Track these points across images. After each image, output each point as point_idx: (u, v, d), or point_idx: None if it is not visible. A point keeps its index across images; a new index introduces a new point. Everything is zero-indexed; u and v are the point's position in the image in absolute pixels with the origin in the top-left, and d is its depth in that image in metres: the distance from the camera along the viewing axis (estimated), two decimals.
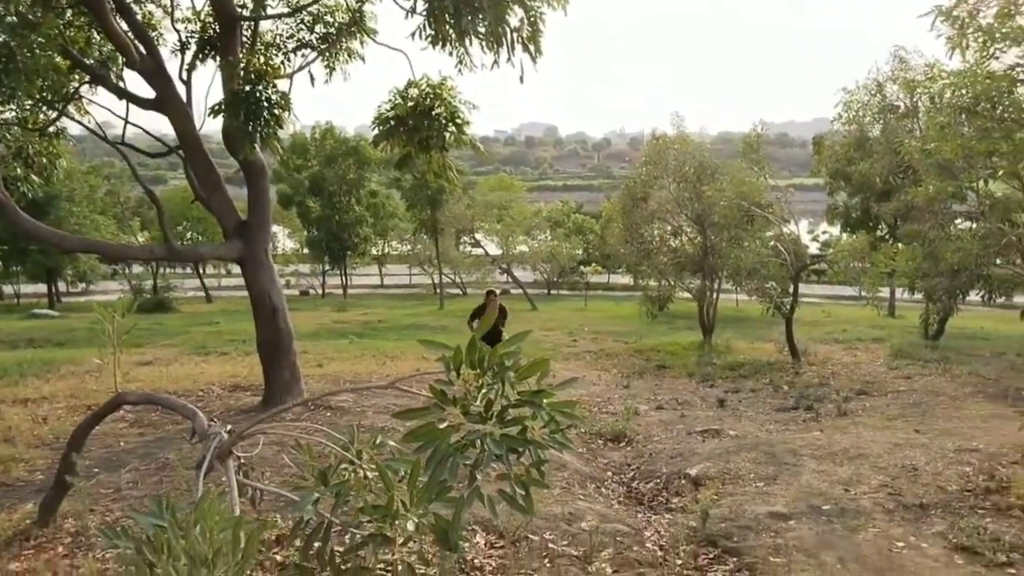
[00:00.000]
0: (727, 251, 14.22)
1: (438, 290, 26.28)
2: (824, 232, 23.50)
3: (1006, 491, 5.05)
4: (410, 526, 2.81)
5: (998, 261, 11.45)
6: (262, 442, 4.96)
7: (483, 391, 3.05)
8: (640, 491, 5.65)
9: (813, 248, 17.93)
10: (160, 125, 7.74)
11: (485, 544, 4.09)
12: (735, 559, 4.15)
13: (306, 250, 28.59)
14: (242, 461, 3.82)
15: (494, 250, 26.10)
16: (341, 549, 3.00)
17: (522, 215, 26.18)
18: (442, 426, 2.96)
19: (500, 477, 3.01)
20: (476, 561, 3.83)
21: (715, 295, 15.42)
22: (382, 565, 3.33)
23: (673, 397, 9.42)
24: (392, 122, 7.18)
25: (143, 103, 7.04)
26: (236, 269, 7.81)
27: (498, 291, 7.19)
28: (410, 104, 7.13)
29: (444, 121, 7.11)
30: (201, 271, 28.26)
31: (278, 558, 3.74)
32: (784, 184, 17.66)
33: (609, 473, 6.04)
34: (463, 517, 4.20)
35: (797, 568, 4.00)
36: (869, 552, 4.25)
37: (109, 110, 7.77)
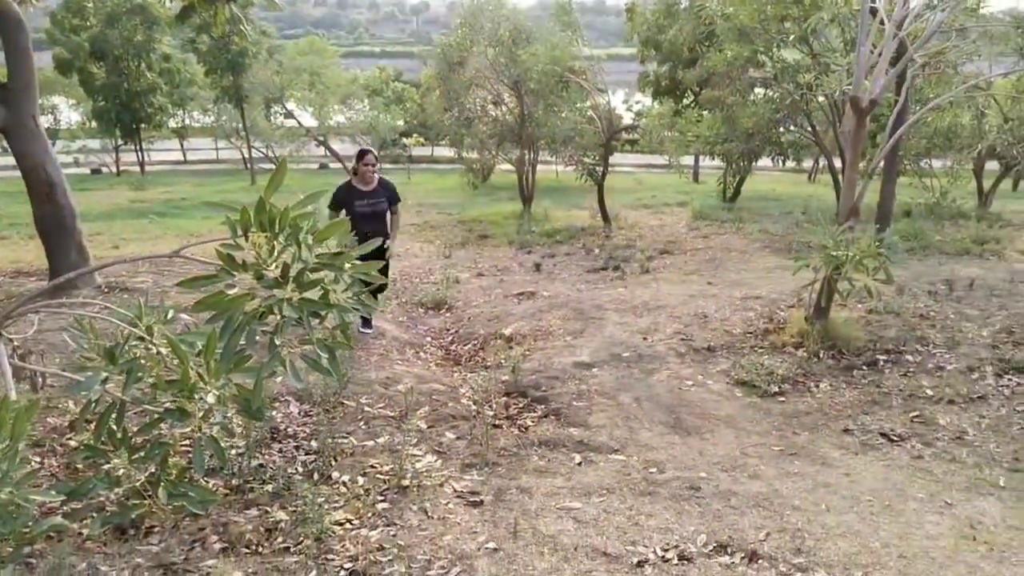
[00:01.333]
0: (543, 119, 14.36)
1: (248, 165, 24.73)
2: (638, 102, 24.18)
3: (781, 331, 5.67)
4: (210, 399, 2.69)
5: (792, 128, 12.40)
6: (47, 326, 4.54)
7: (277, 254, 2.91)
8: (458, 353, 5.80)
9: (628, 118, 18.44)
10: None
11: (299, 413, 4.06)
12: (543, 406, 4.41)
13: (93, 123, 25.59)
14: (16, 344, 3.49)
15: (309, 121, 24.70)
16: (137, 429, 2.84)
17: (337, 82, 24.75)
18: (232, 293, 2.82)
19: (303, 343, 2.94)
20: (289, 429, 3.80)
21: (534, 165, 15.64)
22: (186, 442, 3.22)
23: (493, 264, 9.62)
24: None
25: None
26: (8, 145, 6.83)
27: (375, 157, 5.66)
28: None
29: None
30: None
31: (72, 443, 3.51)
32: (602, 53, 17.89)
33: (428, 339, 6.14)
34: (271, 387, 4.13)
35: (597, 409, 4.32)
36: (661, 391, 4.67)
37: None
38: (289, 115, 24.64)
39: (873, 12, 6.49)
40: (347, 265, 2.90)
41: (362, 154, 5.63)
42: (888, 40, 5.94)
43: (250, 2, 6.77)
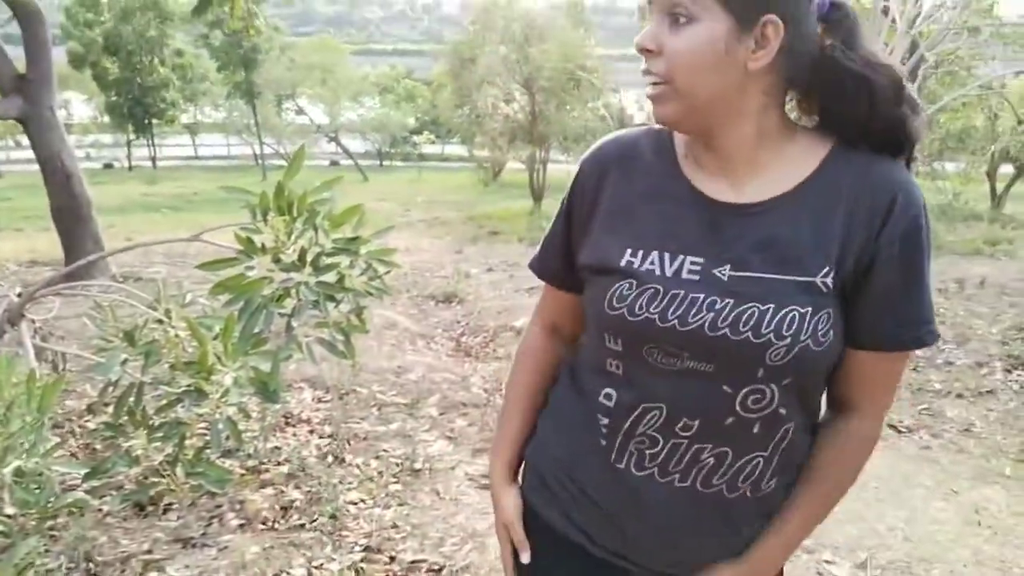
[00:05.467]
0: (555, 117, 14.41)
1: (260, 161, 24.87)
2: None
3: None
4: (227, 380, 2.74)
5: None
6: (64, 313, 4.62)
7: (295, 238, 2.97)
8: (468, 344, 5.85)
9: (640, 117, 18.50)
10: None
11: (312, 399, 4.12)
12: None
13: (106, 118, 25.77)
14: (38, 326, 3.56)
15: (320, 117, 24.81)
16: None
17: (348, 79, 24.87)
18: (251, 275, 2.87)
19: (319, 325, 2.99)
20: (303, 415, 3.86)
21: (545, 163, 15.69)
22: (203, 423, 3.27)
23: (503, 260, 9.66)
24: None
25: None
26: (28, 141, 6.91)
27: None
28: None
29: None
30: None
31: (91, 425, 3.58)
32: (614, 53, 17.92)
33: (439, 330, 6.19)
34: (286, 372, 4.19)
35: None
36: None
37: None
38: (300, 111, 24.75)
39: (885, 11, 6.51)
40: (362, 250, 2.96)
41: None
42: (900, 39, 5.96)
43: None
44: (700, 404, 0.95)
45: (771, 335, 0.89)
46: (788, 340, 0.89)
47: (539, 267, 1.17)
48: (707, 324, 0.90)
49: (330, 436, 3.60)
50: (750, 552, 1.03)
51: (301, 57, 24.85)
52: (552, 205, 14.04)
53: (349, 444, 3.53)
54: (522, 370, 1.21)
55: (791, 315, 0.89)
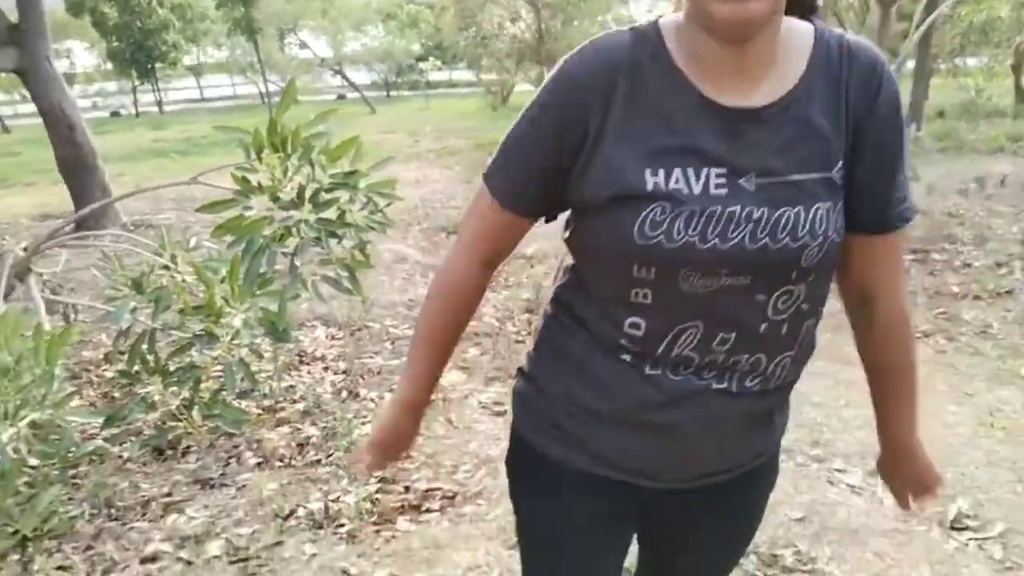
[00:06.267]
0: (562, 33, 14.04)
1: (265, 99, 24.59)
2: (661, 16, 23.45)
3: None
4: (237, 322, 2.75)
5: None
6: (74, 265, 4.65)
7: (292, 176, 2.93)
8: None
9: None
10: None
11: (325, 336, 4.15)
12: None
13: (109, 65, 25.50)
14: (47, 279, 3.59)
15: (323, 50, 24.37)
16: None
17: (350, 8, 24.27)
18: (251, 215, 2.85)
19: (323, 263, 2.99)
20: (316, 352, 3.90)
21: None
22: (217, 366, 3.31)
23: None
24: None
25: None
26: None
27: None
28: None
29: None
30: None
31: (108, 374, 3.64)
32: None
33: None
34: (296, 310, 4.21)
35: None
36: None
37: None
38: (303, 45, 24.31)
39: None
40: (361, 184, 2.92)
41: None
42: None
43: None
44: (736, 317, 0.93)
45: (807, 236, 0.89)
46: (821, 238, 0.90)
47: (505, 192, 1.00)
48: (747, 237, 0.88)
49: (344, 372, 3.64)
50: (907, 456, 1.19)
51: None
52: None
53: (363, 379, 3.57)
54: (449, 308, 1.10)
55: (819, 213, 0.90)
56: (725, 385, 0.97)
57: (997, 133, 9.70)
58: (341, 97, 27.20)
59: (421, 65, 26.10)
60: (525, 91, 18.57)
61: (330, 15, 23.47)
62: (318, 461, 2.83)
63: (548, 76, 0.97)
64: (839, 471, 2.71)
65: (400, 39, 25.65)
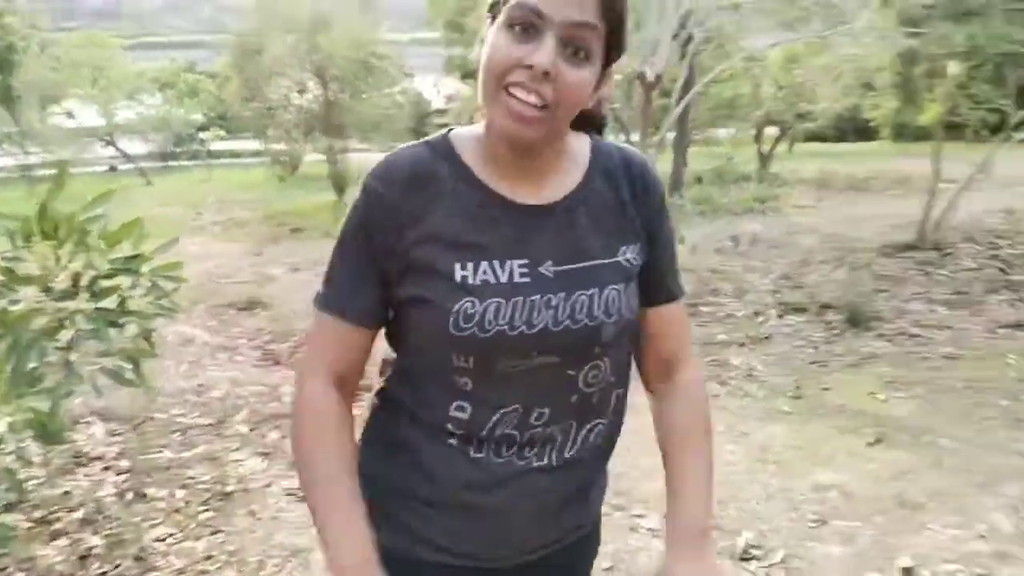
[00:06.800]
0: (351, 105, 14.14)
1: (27, 173, 22.35)
2: (449, 86, 24.33)
3: None
4: (1, 427, 2.47)
5: None
6: None
7: (65, 263, 2.72)
8: (277, 352, 5.63)
9: (438, 102, 18.51)
10: None
11: (105, 433, 3.79)
12: (368, 393, 4.41)
13: None
14: None
15: (94, 120, 22.67)
16: None
17: (123, 76, 22.86)
18: (16, 309, 2.60)
19: (103, 354, 2.77)
20: (95, 451, 3.55)
21: (345, 153, 15.35)
22: None
23: (309, 258, 9.37)
24: None
25: None
26: None
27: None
28: None
29: None
30: None
31: None
32: (405, 38, 17.80)
33: (243, 340, 5.90)
34: (69, 406, 3.83)
35: None
36: None
37: None
38: (70, 115, 22.48)
39: None
40: (144, 268, 2.76)
41: None
42: (669, 17, 6.40)
43: None
44: (550, 392, 1.02)
45: (602, 315, 1.00)
46: (615, 316, 1.01)
47: (342, 307, 1.03)
48: (550, 321, 0.98)
49: (128, 471, 3.33)
50: (689, 538, 1.09)
51: (67, 55, 22.43)
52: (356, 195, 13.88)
53: (150, 476, 3.29)
54: (330, 442, 1.04)
55: (611, 294, 1.01)
56: (545, 462, 1.05)
57: (746, 196, 11.01)
58: (113, 169, 25.29)
59: (202, 135, 25.09)
60: (314, 160, 18.39)
61: (101, 83, 21.94)
62: (104, 574, 2.56)
63: (356, 194, 1.03)
64: (638, 516, 2.89)
65: (179, 108, 24.49)
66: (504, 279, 0.97)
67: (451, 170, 1.01)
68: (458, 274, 0.97)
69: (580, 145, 1.07)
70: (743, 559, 2.59)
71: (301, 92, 15.76)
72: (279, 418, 4.00)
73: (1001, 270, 6.44)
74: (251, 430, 3.87)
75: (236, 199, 16.73)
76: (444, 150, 1.03)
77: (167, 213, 14.73)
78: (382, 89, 15.00)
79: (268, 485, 3.23)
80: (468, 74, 22.54)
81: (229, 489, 3.16)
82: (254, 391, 4.44)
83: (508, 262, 0.98)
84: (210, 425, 3.90)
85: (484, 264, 0.98)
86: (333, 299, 1.05)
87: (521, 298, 0.97)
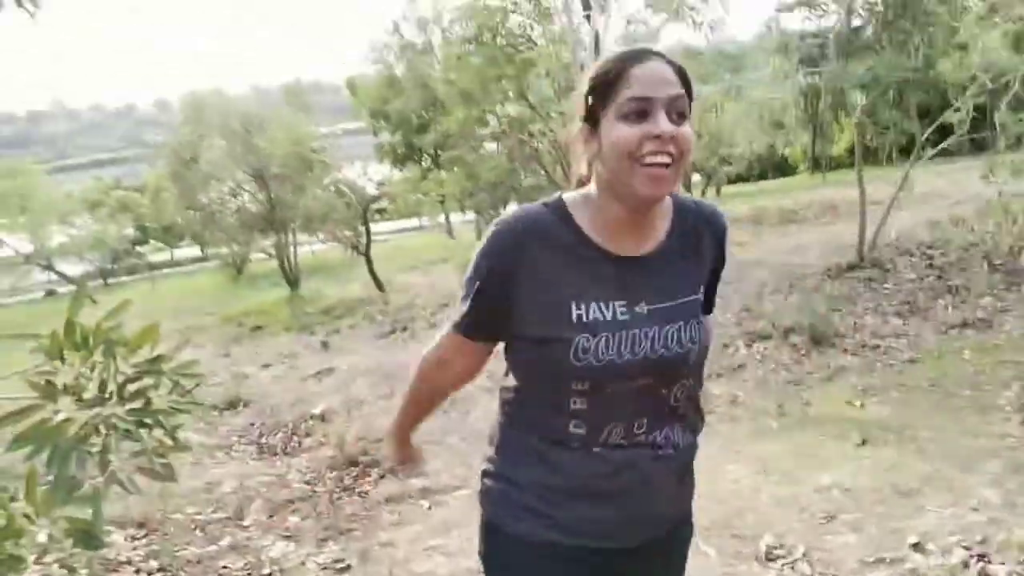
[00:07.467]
0: (293, 201, 14.34)
1: None
2: (377, 172, 24.79)
3: None
4: (42, 537, 2.53)
5: (527, 174, 13.50)
6: None
7: (94, 371, 2.84)
8: (271, 444, 5.68)
9: (371, 188, 18.81)
10: None
11: (125, 539, 3.80)
12: (376, 468, 4.51)
13: None
14: None
15: (25, 247, 22.34)
16: None
17: (50, 201, 22.67)
18: (57, 419, 2.70)
19: (135, 455, 2.86)
20: (120, 556, 3.56)
21: (293, 247, 15.48)
22: None
23: (277, 352, 9.41)
24: None
25: None
26: None
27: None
28: None
29: None
30: None
31: None
32: (337, 129, 18.20)
33: (235, 437, 5.92)
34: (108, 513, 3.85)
35: (430, 456, 4.50)
36: (482, 426, 4.95)
37: None
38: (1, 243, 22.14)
39: (582, 67, 7.46)
40: (164, 368, 2.88)
41: None
42: None
43: None
44: (648, 407, 1.25)
45: (689, 343, 1.24)
46: (697, 344, 1.26)
47: (475, 330, 1.29)
48: (648, 350, 1.21)
49: (160, 570, 3.37)
50: None
51: None
52: (309, 287, 13.71)
53: (184, 571, 3.34)
54: (435, 375, 1.43)
55: (693, 325, 1.26)
56: (651, 452, 1.27)
57: None
58: (51, 292, 24.83)
59: (139, 248, 24.91)
60: (260, 259, 18.42)
61: (28, 211, 21.71)
62: None
63: (483, 240, 1.25)
64: None
65: (112, 224, 24.31)
66: (610, 317, 1.20)
67: (565, 227, 1.24)
68: (574, 313, 1.20)
69: (667, 200, 1.30)
70: (768, 560, 2.78)
71: (235, 195, 15.91)
72: (295, 502, 4.07)
73: (939, 277, 6.92)
74: (269, 517, 3.93)
75: (186, 307, 16.59)
76: (559, 210, 1.26)
77: (125, 325, 14.49)
78: (322, 181, 15.25)
79: (302, 563, 3.30)
80: (398, 159, 23.06)
81: (266, 572, 3.22)
82: (262, 481, 4.49)
83: (611, 303, 1.21)
84: (228, 518, 3.95)
85: (594, 305, 1.21)
86: (466, 326, 1.30)
87: (625, 332, 1.20)
